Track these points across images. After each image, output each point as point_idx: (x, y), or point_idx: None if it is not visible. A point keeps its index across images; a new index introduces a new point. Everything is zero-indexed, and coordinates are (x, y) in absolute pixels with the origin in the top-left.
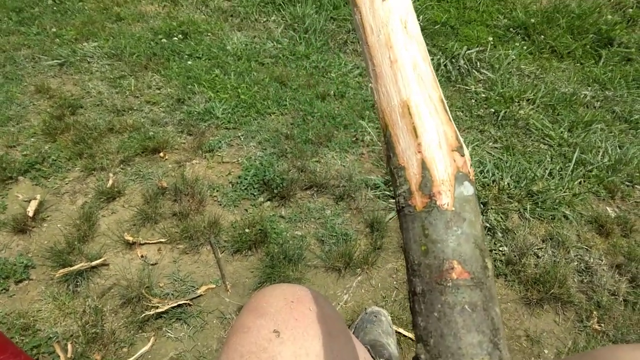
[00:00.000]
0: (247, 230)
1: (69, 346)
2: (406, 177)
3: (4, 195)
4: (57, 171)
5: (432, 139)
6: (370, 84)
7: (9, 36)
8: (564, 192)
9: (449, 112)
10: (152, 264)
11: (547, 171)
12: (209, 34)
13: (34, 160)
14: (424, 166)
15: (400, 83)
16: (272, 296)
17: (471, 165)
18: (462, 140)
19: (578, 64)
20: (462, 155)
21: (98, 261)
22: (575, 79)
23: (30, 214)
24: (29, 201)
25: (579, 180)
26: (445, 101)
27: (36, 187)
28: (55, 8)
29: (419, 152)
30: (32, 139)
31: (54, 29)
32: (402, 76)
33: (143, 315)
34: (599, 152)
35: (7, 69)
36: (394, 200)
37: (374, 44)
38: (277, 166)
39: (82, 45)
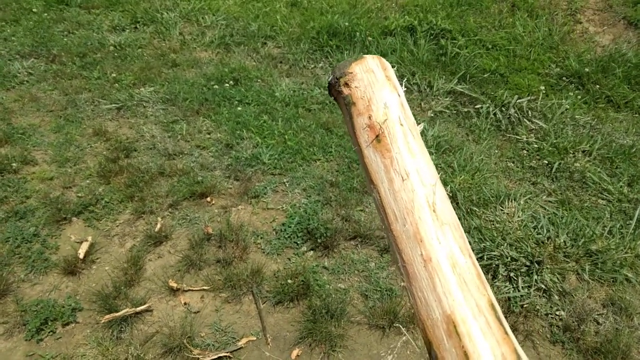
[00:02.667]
0: (289, 280)
1: None
2: None
3: (57, 235)
4: (109, 213)
5: None
6: (402, 283)
7: (72, 80)
8: (626, 252)
9: (504, 322)
10: (194, 312)
11: (607, 229)
12: (258, 80)
13: (88, 202)
14: None
15: (440, 290)
16: None
17: None
18: (523, 357)
19: (636, 115)
20: None
21: (142, 307)
22: (634, 130)
23: (81, 256)
24: (81, 243)
25: None
26: (496, 304)
27: (88, 228)
28: (116, 54)
29: None
30: (88, 181)
31: (113, 74)
32: (441, 280)
33: None
34: None
35: (68, 112)
36: None
37: (400, 235)
38: (322, 214)
39: (139, 90)
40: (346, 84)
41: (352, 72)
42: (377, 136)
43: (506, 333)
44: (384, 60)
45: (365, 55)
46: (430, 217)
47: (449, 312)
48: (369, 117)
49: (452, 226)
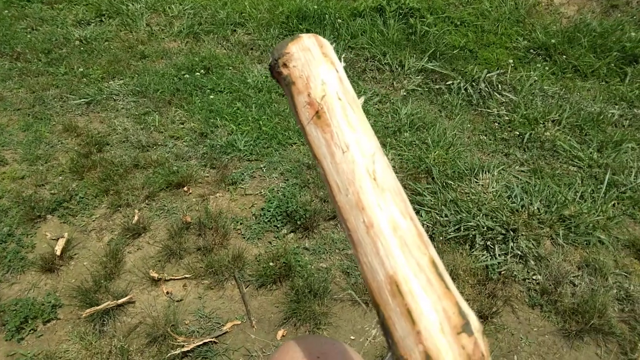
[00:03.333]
0: (271, 263)
1: None
2: None
3: (33, 234)
4: (85, 209)
5: (432, 323)
6: (350, 251)
7: (38, 77)
8: (598, 215)
9: (445, 277)
10: (177, 301)
11: (579, 194)
12: (230, 67)
13: (61, 198)
14: None
15: (382, 253)
16: (296, 351)
17: (484, 337)
18: (465, 309)
19: (603, 83)
20: (471, 334)
21: (124, 299)
22: (601, 97)
23: (58, 252)
24: (57, 239)
25: (612, 203)
26: (438, 261)
27: (64, 225)
28: (82, 48)
29: (421, 342)
30: (60, 177)
31: (81, 69)
32: (383, 244)
33: (169, 354)
34: (631, 172)
35: (36, 109)
36: None
37: (343, 205)
38: (300, 197)
39: (109, 83)
40: (284, 64)
41: (289, 52)
42: (316, 112)
43: (447, 288)
44: (320, 38)
45: (301, 35)
46: (371, 185)
47: (391, 273)
48: (308, 95)
49: (392, 192)
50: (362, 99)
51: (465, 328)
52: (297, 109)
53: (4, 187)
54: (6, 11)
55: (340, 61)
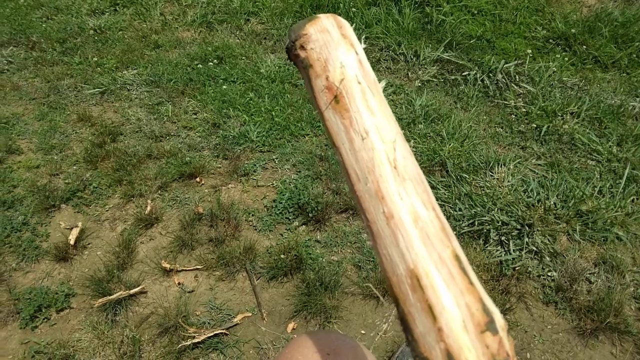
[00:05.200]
0: (282, 256)
1: None
2: None
3: (47, 223)
4: (98, 198)
5: (454, 319)
6: (368, 241)
7: (53, 66)
8: (616, 211)
9: (468, 271)
10: (189, 292)
11: (597, 189)
12: (243, 57)
13: (76, 188)
14: (450, 359)
15: (402, 245)
16: (307, 347)
17: (509, 336)
18: (490, 306)
19: (624, 74)
20: (495, 332)
21: (136, 289)
22: (621, 90)
23: (72, 242)
24: (71, 229)
25: (631, 198)
26: (461, 255)
27: (78, 214)
28: (96, 38)
29: (442, 340)
30: (75, 167)
31: (95, 58)
32: (403, 236)
33: (180, 345)
34: None
35: (51, 99)
36: None
37: (362, 195)
38: (312, 189)
39: (122, 73)
40: (302, 47)
41: (306, 34)
42: (335, 97)
43: (471, 283)
44: (339, 18)
45: (319, 15)
46: (392, 173)
47: (412, 267)
48: (326, 78)
49: (414, 181)
50: (383, 82)
51: (490, 326)
52: (314, 94)
53: (19, 176)
54: (22, 1)
55: (361, 42)
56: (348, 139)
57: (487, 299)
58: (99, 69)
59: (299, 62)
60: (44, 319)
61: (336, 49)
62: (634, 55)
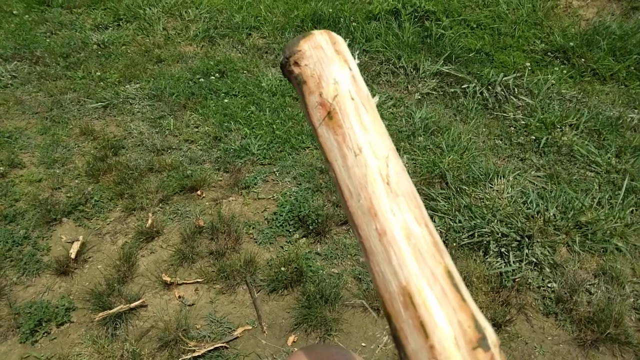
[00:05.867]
0: (283, 268)
1: None
2: None
3: (48, 237)
4: (100, 212)
5: (447, 337)
6: (362, 257)
7: (56, 81)
8: (615, 222)
9: (461, 288)
10: (189, 305)
11: (596, 200)
12: (244, 71)
13: (77, 201)
14: None
15: (395, 262)
16: None
17: (501, 352)
18: (482, 322)
19: (622, 86)
20: (487, 349)
21: (137, 303)
22: (620, 102)
23: (73, 255)
24: (72, 242)
25: (630, 210)
26: (454, 271)
27: (79, 228)
28: (99, 52)
29: (434, 357)
30: (77, 181)
31: (98, 73)
32: (396, 253)
33: (180, 359)
34: None
35: (54, 113)
36: None
37: (355, 211)
38: (312, 201)
39: (125, 87)
40: (296, 63)
41: (300, 50)
42: (328, 113)
43: (463, 299)
44: (333, 34)
45: (313, 31)
46: (384, 190)
47: (404, 284)
48: (320, 95)
49: (407, 197)
50: (377, 98)
51: (482, 343)
52: (308, 110)
53: (21, 189)
54: (27, 16)
55: (355, 58)
56: (341, 155)
57: (479, 315)
58: (101, 83)
59: (293, 78)
60: (44, 333)
61: (330, 65)
62: (632, 68)
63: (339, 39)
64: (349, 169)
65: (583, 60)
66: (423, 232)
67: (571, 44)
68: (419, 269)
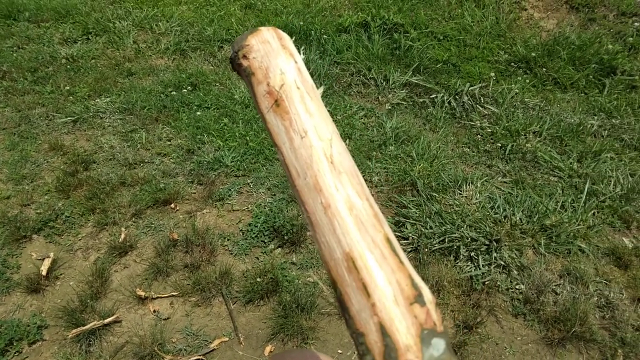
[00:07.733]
0: (258, 279)
1: None
2: (367, 345)
3: (18, 254)
4: (71, 227)
5: (386, 295)
6: (309, 232)
7: (24, 96)
8: (578, 224)
9: (398, 252)
10: (164, 319)
11: (559, 204)
12: (217, 84)
13: (47, 217)
14: (383, 331)
15: (339, 231)
16: None
17: (437, 308)
18: (418, 282)
19: (582, 94)
20: (423, 304)
21: (110, 318)
22: (580, 109)
23: (44, 272)
24: (43, 259)
25: (592, 212)
26: (392, 239)
27: (50, 244)
28: (68, 67)
29: (375, 314)
30: (46, 197)
31: (67, 87)
32: (339, 223)
33: None
34: (610, 181)
35: (22, 128)
36: None
37: (302, 188)
38: (287, 212)
39: (95, 101)
40: (244, 56)
41: (248, 45)
42: (275, 101)
43: (401, 262)
44: (280, 31)
45: (260, 28)
46: (328, 168)
47: (347, 250)
48: (268, 84)
49: (349, 174)
50: (322, 89)
51: (418, 299)
52: (257, 99)
53: None
54: None
55: (300, 54)
56: (288, 138)
57: (416, 276)
58: (71, 97)
59: (242, 70)
60: (15, 353)
61: (276, 57)
62: (591, 77)
63: (284, 35)
64: (296, 151)
65: (545, 69)
66: (364, 205)
67: (533, 54)
68: (361, 236)
